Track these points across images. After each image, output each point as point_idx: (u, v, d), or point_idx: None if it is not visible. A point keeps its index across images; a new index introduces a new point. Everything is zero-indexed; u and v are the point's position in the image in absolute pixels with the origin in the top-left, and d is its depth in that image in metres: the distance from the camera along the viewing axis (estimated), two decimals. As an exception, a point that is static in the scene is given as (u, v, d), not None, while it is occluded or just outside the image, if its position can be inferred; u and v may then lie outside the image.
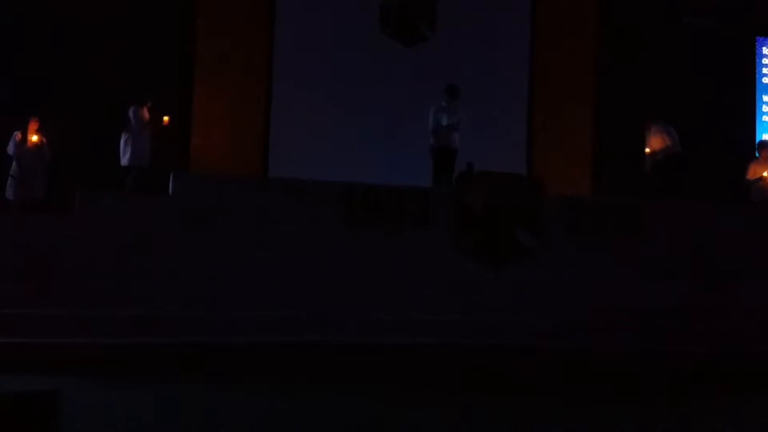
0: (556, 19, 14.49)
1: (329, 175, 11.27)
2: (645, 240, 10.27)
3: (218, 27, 13.36)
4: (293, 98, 13.48)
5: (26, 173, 11.11)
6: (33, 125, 11.21)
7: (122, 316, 8.21)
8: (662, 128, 11.99)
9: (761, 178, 11.90)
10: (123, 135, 11.18)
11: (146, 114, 11.18)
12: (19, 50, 12.55)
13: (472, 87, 12.58)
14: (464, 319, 8.89)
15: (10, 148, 11.22)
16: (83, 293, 8.41)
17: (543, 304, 9.22)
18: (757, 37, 15.41)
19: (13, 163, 11.23)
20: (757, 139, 14.34)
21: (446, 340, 8.47)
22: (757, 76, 15.34)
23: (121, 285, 8.57)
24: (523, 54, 14.50)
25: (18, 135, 11.17)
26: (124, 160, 11.15)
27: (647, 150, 11.97)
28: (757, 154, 12.52)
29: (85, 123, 12.17)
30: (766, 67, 15.43)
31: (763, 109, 15.26)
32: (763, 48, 15.43)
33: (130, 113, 11.16)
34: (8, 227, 9.51)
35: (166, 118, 11.32)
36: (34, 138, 11.16)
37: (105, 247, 8.98)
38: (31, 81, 12.33)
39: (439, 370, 7.97)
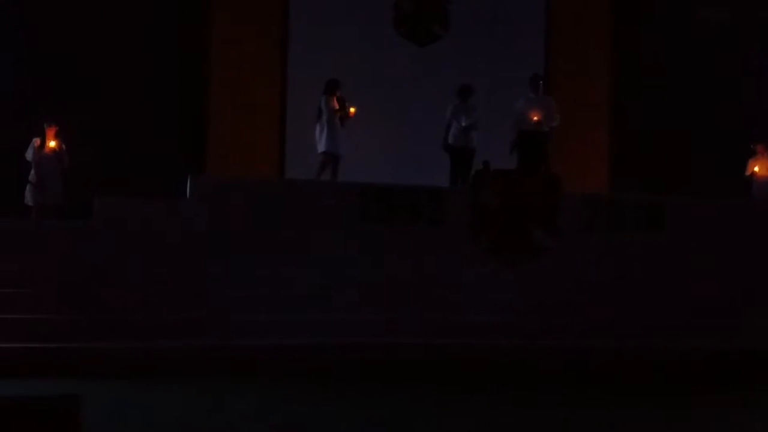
0: (571, 16, 14.42)
1: (345, 176, 11.28)
2: (665, 237, 10.20)
3: (233, 30, 13.40)
4: (308, 99, 13.47)
5: (45, 179, 11.18)
6: (51, 131, 11.26)
7: (142, 321, 8.24)
8: (543, 101, 11.59)
9: (753, 174, 11.98)
10: (317, 125, 11.43)
11: (335, 103, 11.34)
12: (37, 56, 12.62)
13: (488, 85, 12.55)
14: (480, 319, 8.86)
15: (29, 155, 11.28)
16: (102, 298, 8.46)
17: (561, 303, 9.18)
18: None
19: (32, 170, 11.30)
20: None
21: (468, 342, 8.46)
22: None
23: (140, 289, 8.61)
24: (539, 50, 14.44)
25: (37, 141, 11.23)
26: (320, 147, 11.41)
27: (534, 117, 11.36)
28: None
29: (104, 129, 12.23)
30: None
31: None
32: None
33: (321, 103, 11.40)
34: (27, 233, 9.57)
35: (353, 110, 11.46)
36: (53, 144, 11.21)
37: (124, 252, 9.03)
38: (50, 87, 12.40)
39: (464, 372, 7.95)
